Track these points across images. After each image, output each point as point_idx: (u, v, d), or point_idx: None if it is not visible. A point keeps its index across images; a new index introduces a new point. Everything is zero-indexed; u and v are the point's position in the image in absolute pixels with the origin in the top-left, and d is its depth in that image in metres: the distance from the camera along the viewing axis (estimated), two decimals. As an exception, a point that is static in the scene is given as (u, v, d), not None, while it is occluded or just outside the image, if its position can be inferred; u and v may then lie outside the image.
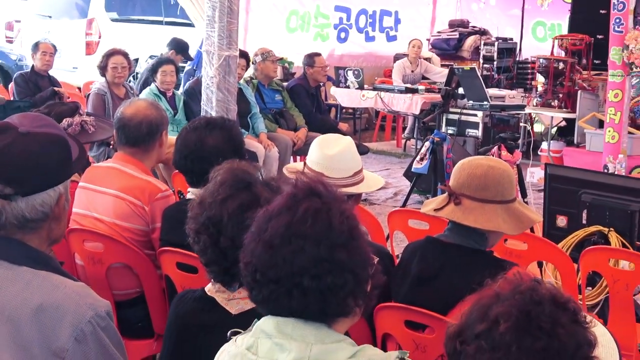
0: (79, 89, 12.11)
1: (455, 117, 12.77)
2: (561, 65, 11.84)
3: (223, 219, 2.67)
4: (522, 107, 9.98)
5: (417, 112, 12.44)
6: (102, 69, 8.77)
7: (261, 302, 2.26)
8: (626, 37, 10.00)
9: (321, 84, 11.01)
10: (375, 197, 10.36)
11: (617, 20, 10.00)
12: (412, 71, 13.86)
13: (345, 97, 13.23)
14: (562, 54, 12.63)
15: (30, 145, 2.59)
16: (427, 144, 6.82)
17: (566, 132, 11.82)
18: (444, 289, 3.30)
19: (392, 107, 12.72)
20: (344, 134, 10.91)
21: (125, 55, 8.83)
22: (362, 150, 11.00)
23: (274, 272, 2.18)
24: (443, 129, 12.87)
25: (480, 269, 2.96)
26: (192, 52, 12.50)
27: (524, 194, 6.10)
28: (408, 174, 10.17)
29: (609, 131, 10.32)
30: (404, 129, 14.15)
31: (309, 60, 10.62)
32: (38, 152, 2.59)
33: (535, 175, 11.72)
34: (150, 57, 15.57)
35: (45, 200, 2.60)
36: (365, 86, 13.22)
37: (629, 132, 10.58)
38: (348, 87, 13.20)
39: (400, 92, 12.70)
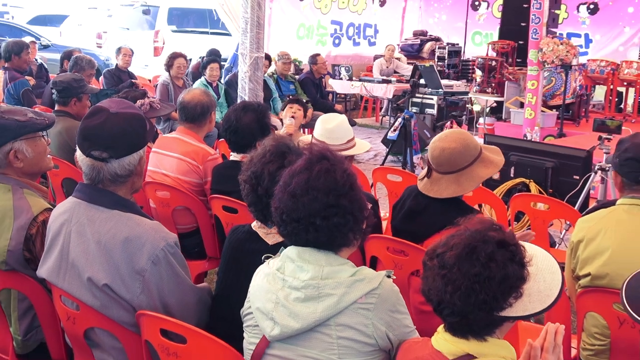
0: (149, 80, 11.96)
1: (419, 100, 12.83)
2: (494, 63, 11.75)
3: (262, 175, 2.62)
4: (466, 93, 9.86)
5: (391, 96, 12.65)
6: (169, 66, 8.69)
7: (286, 235, 2.22)
8: (541, 42, 9.95)
9: (322, 76, 10.88)
10: (360, 158, 10.30)
11: (535, 31, 9.99)
12: (387, 67, 13.81)
13: (339, 86, 13.20)
14: (494, 54, 12.56)
15: (119, 121, 2.56)
16: (400, 119, 6.75)
17: (496, 111, 11.71)
18: (425, 222, 3.26)
19: (373, 93, 12.84)
20: (339, 112, 10.90)
21: (185, 57, 8.75)
22: (351, 124, 10.91)
23: (296, 214, 2.15)
24: (410, 109, 12.89)
25: (453, 211, 3.05)
26: (228, 53, 12.39)
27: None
28: (384, 141, 10.13)
29: (528, 110, 10.30)
30: (380, 108, 14.06)
31: (313, 59, 10.57)
32: (125, 126, 2.56)
33: (474, 141, 11.66)
34: (200, 57, 15.49)
35: (131, 161, 2.59)
36: (354, 78, 13.22)
37: (542, 111, 10.55)
38: (341, 79, 13.18)
39: (379, 82, 12.81)
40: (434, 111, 12.49)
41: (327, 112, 10.27)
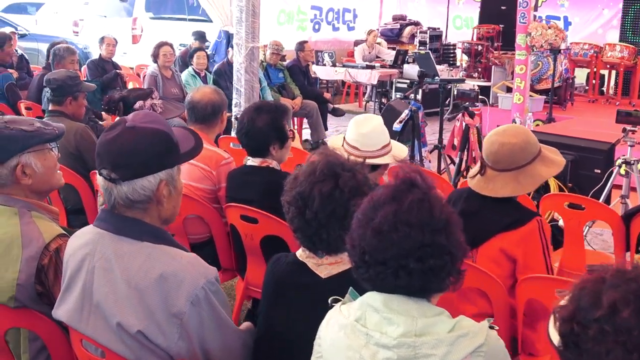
0: (132, 69, 11.38)
1: (404, 85, 12.49)
2: (480, 47, 11.36)
3: (311, 196, 2.17)
4: (462, 80, 9.45)
5: (375, 82, 12.29)
6: (155, 56, 8.12)
7: (367, 279, 1.78)
8: (529, 27, 9.62)
9: (309, 63, 10.42)
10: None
11: (522, 15, 9.68)
12: (369, 53, 13.34)
13: (322, 72, 12.70)
14: (475, 38, 12.23)
15: (133, 137, 2.10)
16: (407, 111, 6.35)
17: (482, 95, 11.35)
18: (480, 225, 2.89)
19: (357, 78, 12.41)
20: (327, 100, 10.46)
21: (171, 45, 8.20)
22: (339, 113, 10.56)
23: (382, 255, 1.71)
24: (395, 95, 12.52)
25: (508, 212, 2.87)
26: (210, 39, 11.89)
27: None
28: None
29: (516, 95, 10.02)
30: (363, 94, 13.63)
31: (300, 46, 10.09)
32: (138, 144, 2.09)
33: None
34: (181, 45, 14.93)
35: (146, 185, 2.12)
36: (337, 64, 12.74)
37: (530, 95, 10.23)
38: (324, 65, 12.68)
39: (363, 68, 12.37)
40: (419, 96, 12.24)
41: (315, 99, 9.89)
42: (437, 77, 7.63)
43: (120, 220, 2.15)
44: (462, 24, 15.69)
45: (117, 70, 8.97)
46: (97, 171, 2.14)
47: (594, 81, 12.14)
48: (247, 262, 3.74)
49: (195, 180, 3.83)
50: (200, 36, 11.27)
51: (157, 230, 2.19)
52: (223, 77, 8.74)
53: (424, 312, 1.72)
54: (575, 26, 14.40)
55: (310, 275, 2.22)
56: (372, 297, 1.78)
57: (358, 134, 3.36)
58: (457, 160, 5.59)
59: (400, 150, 3.49)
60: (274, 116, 3.54)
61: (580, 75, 12.89)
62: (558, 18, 14.35)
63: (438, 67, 12.77)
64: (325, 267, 2.21)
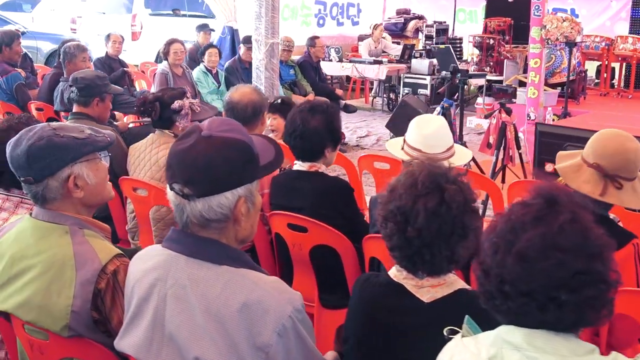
0: (136, 66, 11.08)
1: (411, 80, 12.26)
2: (491, 41, 11.13)
3: (414, 211, 1.91)
4: (483, 76, 9.16)
5: (383, 77, 12.06)
6: (165, 54, 7.84)
7: (505, 312, 1.53)
8: (544, 19, 9.38)
9: (320, 59, 10.15)
10: (364, 143, 9.68)
11: (537, 7, 9.43)
12: (375, 47, 13.07)
13: (329, 67, 12.37)
14: (484, 32, 12.00)
15: (208, 148, 1.83)
16: (438, 108, 6.10)
17: (489, 91, 11.12)
18: None
19: (364, 74, 12.18)
20: (339, 96, 10.21)
21: (182, 42, 7.91)
22: (351, 110, 10.31)
23: (527, 286, 1.46)
24: (403, 90, 12.28)
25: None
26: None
27: (518, 147, 5.42)
28: (389, 126, 9.48)
29: (531, 89, 9.76)
30: (370, 89, 13.38)
31: (311, 42, 9.83)
32: (215, 156, 1.83)
33: (473, 122, 11.09)
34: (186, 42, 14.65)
35: (223, 203, 1.85)
36: (344, 59, 12.48)
37: (544, 90, 10.00)
38: (331, 60, 12.42)
39: (370, 63, 12.11)
40: (427, 91, 12.02)
41: (327, 96, 9.61)
42: (458, 74, 7.37)
43: (195, 241, 1.90)
44: (465, 18, 15.42)
45: (125, 69, 8.68)
46: (167, 185, 1.88)
47: (605, 74, 11.90)
48: (293, 272, 3.49)
49: (236, 187, 3.57)
50: (204, 27, 10.91)
51: (235, 252, 1.94)
52: (235, 74, 8.47)
53: (574, 350, 1.48)
54: (582, 19, 14.07)
55: (411, 298, 1.97)
56: (510, 333, 1.53)
57: (421, 135, 3.10)
58: (493, 159, 5.35)
59: (464, 153, 3.23)
60: (329, 116, 3.30)
61: (590, 69, 12.67)
62: (565, 10, 14.08)
63: (445, 61, 12.61)
64: (428, 289, 1.96)
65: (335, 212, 3.32)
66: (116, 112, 6.60)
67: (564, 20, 9.68)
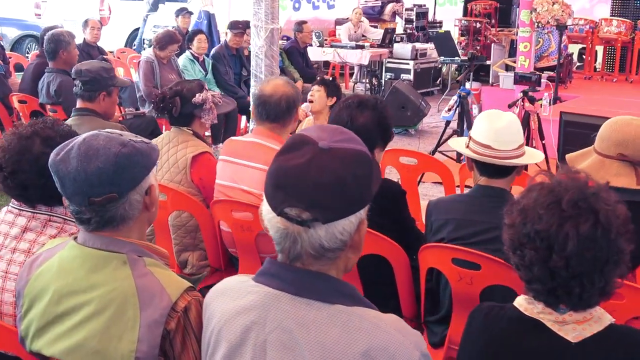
0: (111, 52, 10.57)
1: (393, 65, 11.96)
2: (478, 25, 10.85)
3: (560, 236, 1.58)
4: (484, 59, 8.85)
5: (366, 62, 11.65)
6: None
7: None
8: (534, 2, 9.13)
9: (307, 45, 9.76)
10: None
11: (526, -11, 9.18)
12: (355, 32, 12.71)
13: (310, 53, 11.91)
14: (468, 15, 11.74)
15: (332, 164, 1.48)
16: (455, 97, 5.78)
17: (476, 75, 10.86)
18: None
19: (346, 59, 11.77)
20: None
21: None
22: (339, 98, 9.92)
23: None
24: (385, 75, 11.97)
25: None
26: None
27: (542, 137, 5.13)
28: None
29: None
30: (350, 75, 13.02)
31: (298, 27, 9.44)
32: (341, 173, 1.48)
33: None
34: (154, 26, 14.13)
35: (346, 228, 1.52)
36: (325, 44, 12.07)
37: (534, 74, 9.79)
38: (311, 45, 12.00)
39: (352, 48, 11.71)
40: (410, 77, 11.73)
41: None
42: (457, 58, 7.06)
43: (303, 276, 1.55)
44: (445, 1, 15.15)
45: (104, 56, 8.21)
46: (273, 208, 1.52)
47: (588, 58, 11.74)
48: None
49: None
50: (182, 9, 10.40)
51: (347, 287, 1.60)
52: (222, 61, 8.05)
53: None
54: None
55: (553, 338, 1.64)
56: None
57: (492, 129, 2.74)
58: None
59: (535, 154, 2.90)
60: (379, 112, 2.95)
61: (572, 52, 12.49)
62: (544, -7, 13.90)
63: (426, 46, 12.30)
64: (573, 326, 1.63)
65: (387, 218, 2.97)
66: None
67: (554, 3, 9.43)
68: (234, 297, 1.63)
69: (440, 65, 12.47)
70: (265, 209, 1.56)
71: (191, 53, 7.78)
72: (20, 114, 5.85)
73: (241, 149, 3.31)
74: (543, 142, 5.05)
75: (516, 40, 10.71)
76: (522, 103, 4.98)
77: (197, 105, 3.44)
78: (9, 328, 2.04)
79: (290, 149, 1.55)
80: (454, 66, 12.48)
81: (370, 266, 2.99)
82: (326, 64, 13.35)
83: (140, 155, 1.87)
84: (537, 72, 5.28)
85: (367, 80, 12.39)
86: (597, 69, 12.07)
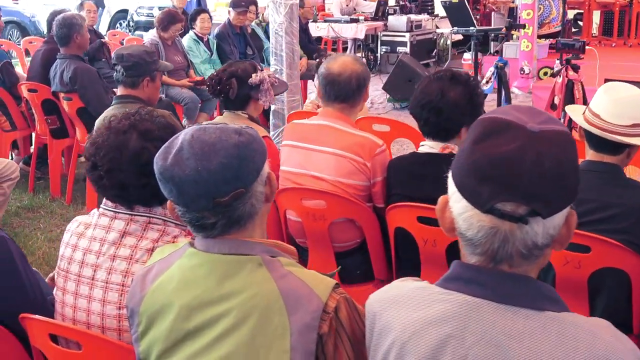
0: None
1: (389, 38, 11.73)
2: (477, -7, 10.67)
3: None
4: (500, 30, 8.64)
5: (362, 36, 11.55)
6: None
7: None
8: (535, -33, 8.98)
9: (309, 20, 9.50)
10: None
11: (529, -45, 8.97)
12: (347, 5, 12.47)
13: (305, 28, 11.78)
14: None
15: (551, 148, 1.28)
16: (492, 69, 5.59)
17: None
18: None
19: (341, 34, 11.57)
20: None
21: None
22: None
23: None
24: (381, 48, 11.74)
25: None
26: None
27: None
28: (386, 87, 8.97)
29: (524, 42, 9.41)
30: (344, 49, 12.76)
31: (300, 2, 9.09)
32: (562, 158, 1.29)
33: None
34: (139, 7, 13.79)
35: (559, 221, 1.32)
36: (318, 19, 11.82)
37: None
38: (313, 21, 11.73)
39: (347, 22, 11.53)
40: (407, 49, 11.51)
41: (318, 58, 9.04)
42: (472, 28, 6.87)
43: (507, 280, 1.35)
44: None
45: (102, 40, 7.87)
46: (481, 205, 1.31)
47: (586, 23, 11.62)
48: (420, 272, 2.96)
49: (345, 176, 3.00)
50: None
51: (549, 290, 1.40)
52: (226, 40, 7.78)
53: None
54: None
55: None
56: None
57: (610, 100, 2.51)
58: (561, 120, 4.90)
59: None
60: (471, 89, 2.76)
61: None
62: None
63: (420, 17, 12.08)
64: None
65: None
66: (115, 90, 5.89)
67: (555, -32, 9.30)
68: (416, 307, 1.43)
69: (435, 37, 12.29)
70: (460, 205, 1.36)
71: (195, 33, 7.49)
72: (31, 103, 5.56)
73: (308, 133, 3.10)
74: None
75: (515, 8, 10.54)
76: (565, 72, 4.80)
77: (254, 86, 3.22)
78: (127, 347, 1.82)
79: (491, 134, 1.34)
80: (455, 37, 12.32)
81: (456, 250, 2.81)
82: (317, 39, 13.10)
83: (256, 142, 1.67)
84: (581, 39, 5.08)
85: (363, 55, 12.18)
86: (595, 35, 11.96)
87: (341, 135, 3.02)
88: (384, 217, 3.04)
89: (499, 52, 9.87)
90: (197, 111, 6.96)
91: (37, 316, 1.99)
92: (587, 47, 4.88)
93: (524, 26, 6.56)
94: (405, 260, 3.03)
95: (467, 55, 10.68)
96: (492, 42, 10.45)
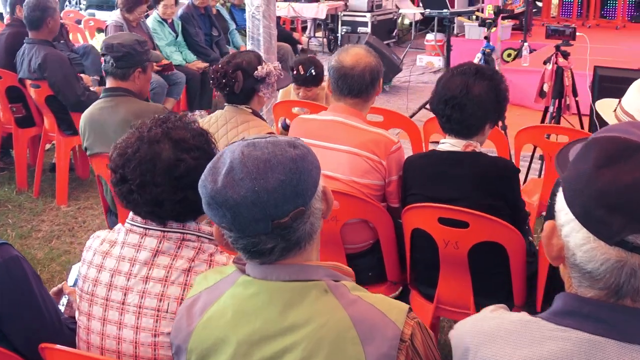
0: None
1: (349, 19, 11.56)
2: (440, -26, 10.51)
3: None
4: (472, 12, 8.54)
5: (324, 16, 11.36)
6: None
7: None
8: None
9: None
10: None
11: None
12: (306, -16, 12.20)
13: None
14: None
15: None
16: (479, 54, 5.48)
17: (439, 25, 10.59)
18: None
19: (302, 14, 11.38)
20: (297, 41, 9.40)
21: None
22: (309, 54, 9.48)
23: None
24: (341, 29, 11.55)
25: None
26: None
27: (575, 94, 4.89)
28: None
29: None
30: (303, 29, 12.53)
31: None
32: None
33: (423, 60, 10.59)
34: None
35: None
36: (278, -1, 11.57)
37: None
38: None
39: (308, 1, 11.35)
40: (368, 29, 11.36)
41: (285, 40, 8.81)
42: (445, 10, 6.75)
43: (632, 316, 1.23)
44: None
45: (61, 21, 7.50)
46: (608, 238, 1.18)
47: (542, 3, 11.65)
48: (438, 275, 2.84)
49: (359, 175, 2.85)
50: None
51: None
52: (191, 22, 7.51)
53: None
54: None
55: None
56: None
57: None
58: (550, 108, 4.80)
59: None
60: (496, 84, 2.64)
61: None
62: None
63: (384, -2, 11.94)
64: None
65: (500, 200, 2.68)
66: (82, 75, 5.59)
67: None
68: (522, 344, 1.29)
69: (395, 17, 12.17)
70: (580, 236, 1.22)
71: (158, 14, 7.19)
72: (-6, 90, 5.23)
73: (319, 130, 2.93)
74: (577, 98, 4.82)
75: (478, -11, 10.50)
76: (555, 58, 4.72)
77: (260, 79, 3.03)
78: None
79: (617, 158, 1.20)
80: (410, 16, 12.23)
81: (478, 253, 2.71)
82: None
83: (310, 154, 1.53)
84: (571, 25, 4.99)
85: (323, 35, 11.99)
86: (554, 16, 12.00)
87: (355, 132, 2.86)
88: (398, 217, 2.91)
89: (459, 33, 9.81)
90: (164, 96, 6.70)
91: (59, 346, 1.79)
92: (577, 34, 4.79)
93: (513, 11, 6.44)
94: (420, 262, 2.91)
95: (430, 36, 10.61)
96: (456, 23, 10.40)
